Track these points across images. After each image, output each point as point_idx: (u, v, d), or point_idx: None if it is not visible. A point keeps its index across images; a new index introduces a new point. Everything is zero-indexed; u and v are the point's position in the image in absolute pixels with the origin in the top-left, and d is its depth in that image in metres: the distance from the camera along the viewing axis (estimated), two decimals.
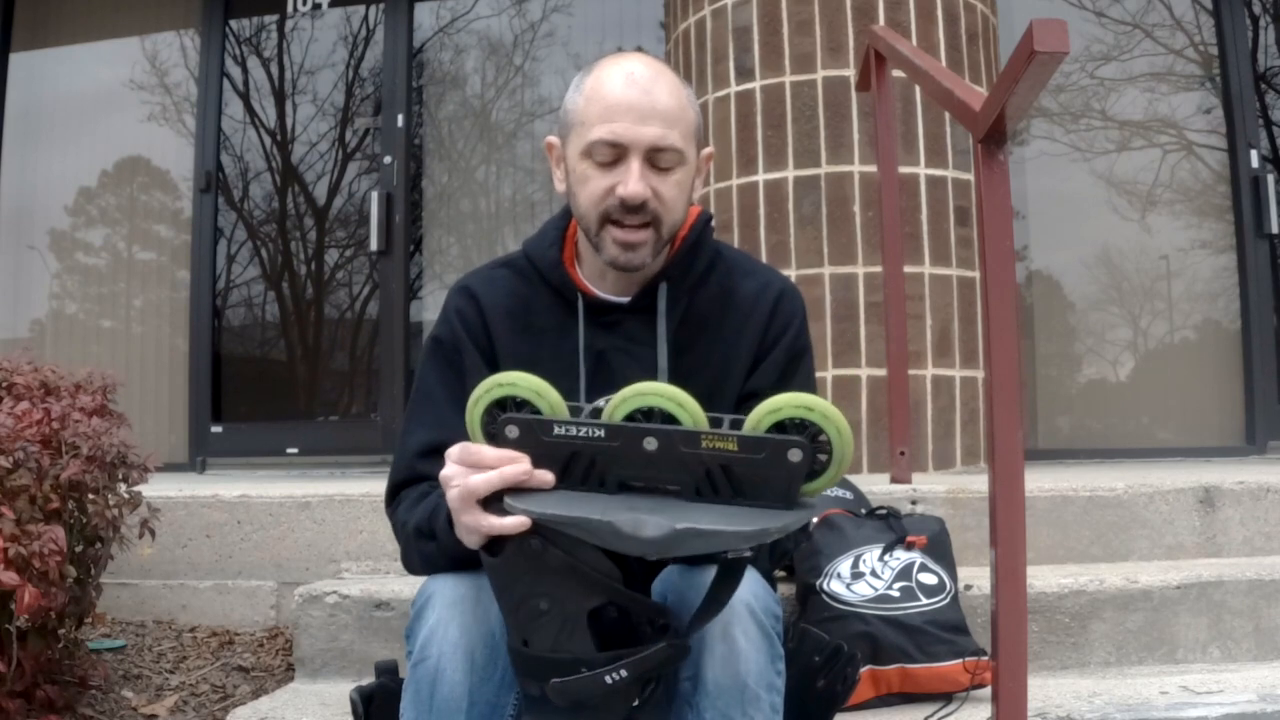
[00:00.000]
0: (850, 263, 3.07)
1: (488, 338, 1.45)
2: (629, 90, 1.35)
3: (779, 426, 1.13)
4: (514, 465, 1.14)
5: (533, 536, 1.13)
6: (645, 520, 1.08)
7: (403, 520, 1.38)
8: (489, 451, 1.16)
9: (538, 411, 1.17)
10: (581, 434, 1.14)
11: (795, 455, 1.11)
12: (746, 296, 1.46)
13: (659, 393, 1.16)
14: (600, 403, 1.21)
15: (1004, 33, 3.54)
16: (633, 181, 1.34)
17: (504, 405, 1.18)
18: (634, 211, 1.35)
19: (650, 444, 1.13)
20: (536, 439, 1.15)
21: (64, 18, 4.88)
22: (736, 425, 1.15)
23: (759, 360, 1.45)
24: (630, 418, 1.16)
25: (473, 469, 1.15)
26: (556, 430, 1.14)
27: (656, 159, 1.35)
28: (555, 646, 1.15)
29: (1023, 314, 4.20)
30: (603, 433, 1.13)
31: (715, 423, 1.16)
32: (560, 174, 1.45)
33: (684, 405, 1.16)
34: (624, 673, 1.14)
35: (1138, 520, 2.29)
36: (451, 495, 1.17)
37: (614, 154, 1.35)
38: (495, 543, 1.15)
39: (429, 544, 1.31)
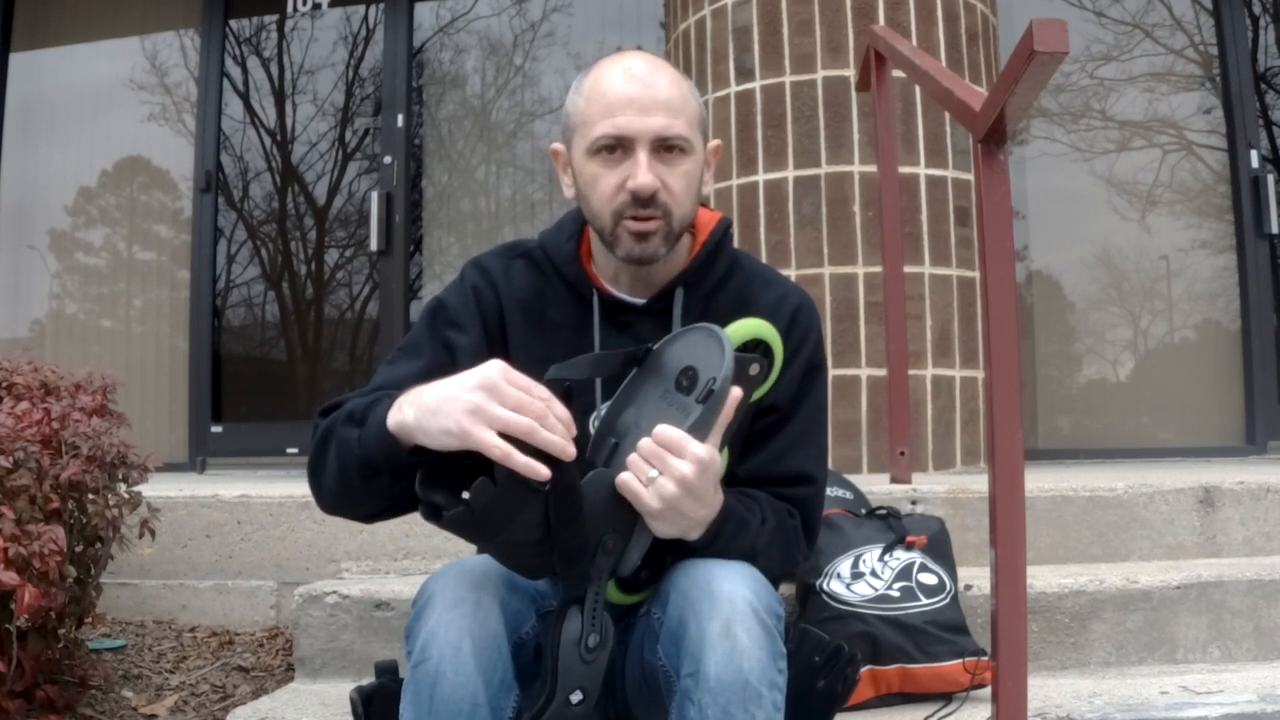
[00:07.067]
0: (850, 263, 3.07)
1: (501, 326, 1.45)
2: (629, 84, 1.35)
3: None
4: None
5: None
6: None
7: (337, 403, 1.34)
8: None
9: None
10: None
11: (754, 369, 1.28)
12: (764, 307, 1.45)
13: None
14: None
15: (1004, 33, 3.54)
16: (641, 173, 1.33)
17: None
18: (645, 204, 1.34)
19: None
20: None
21: (64, 17, 4.88)
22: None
23: (778, 374, 1.44)
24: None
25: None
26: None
27: (663, 149, 1.35)
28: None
29: (1023, 314, 4.20)
30: None
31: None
32: (568, 180, 1.44)
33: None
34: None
35: (1138, 520, 2.29)
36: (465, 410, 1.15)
37: (620, 149, 1.35)
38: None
39: (351, 430, 1.27)
